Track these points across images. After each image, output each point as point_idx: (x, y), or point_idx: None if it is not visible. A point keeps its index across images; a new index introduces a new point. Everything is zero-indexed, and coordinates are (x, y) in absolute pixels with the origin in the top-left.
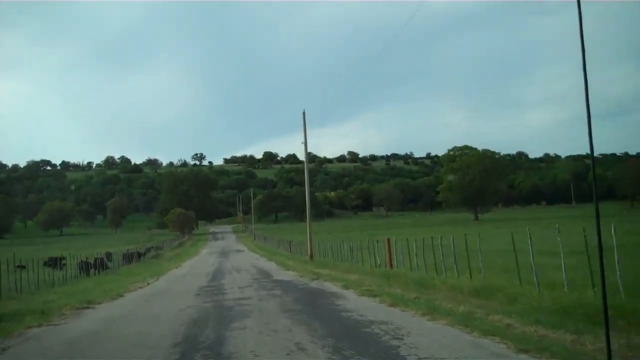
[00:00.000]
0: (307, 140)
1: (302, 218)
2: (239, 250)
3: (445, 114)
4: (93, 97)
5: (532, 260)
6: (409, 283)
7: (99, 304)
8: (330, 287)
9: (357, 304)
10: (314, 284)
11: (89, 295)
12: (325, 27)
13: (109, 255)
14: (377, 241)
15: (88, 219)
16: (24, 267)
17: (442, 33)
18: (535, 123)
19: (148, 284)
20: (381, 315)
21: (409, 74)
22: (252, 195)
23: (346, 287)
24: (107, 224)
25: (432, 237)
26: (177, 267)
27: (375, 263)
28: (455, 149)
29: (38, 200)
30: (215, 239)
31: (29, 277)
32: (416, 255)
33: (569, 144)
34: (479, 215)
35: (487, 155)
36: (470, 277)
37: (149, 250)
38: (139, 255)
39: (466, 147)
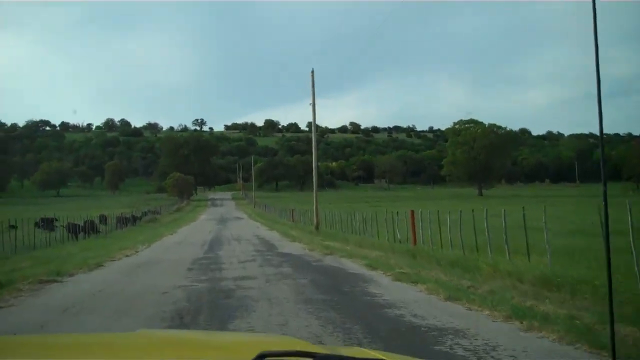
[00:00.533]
0: (310, 110)
1: (302, 187)
2: (238, 218)
3: (447, 88)
4: (95, 59)
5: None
6: (444, 265)
7: (70, 275)
8: (351, 265)
9: (399, 295)
10: (330, 261)
11: (65, 263)
12: None
13: (103, 218)
14: (397, 213)
15: (86, 180)
16: (14, 227)
17: (447, 7)
18: (539, 101)
19: (137, 252)
20: (445, 317)
21: (411, 48)
22: (252, 162)
23: (371, 267)
24: (105, 186)
25: (449, 212)
26: (172, 234)
27: (394, 237)
28: (461, 122)
29: (36, 160)
30: (215, 205)
31: (15, 238)
32: (445, 231)
33: (573, 122)
34: (482, 191)
35: (494, 130)
36: (529, 260)
37: (145, 214)
38: (135, 219)
39: (472, 120)
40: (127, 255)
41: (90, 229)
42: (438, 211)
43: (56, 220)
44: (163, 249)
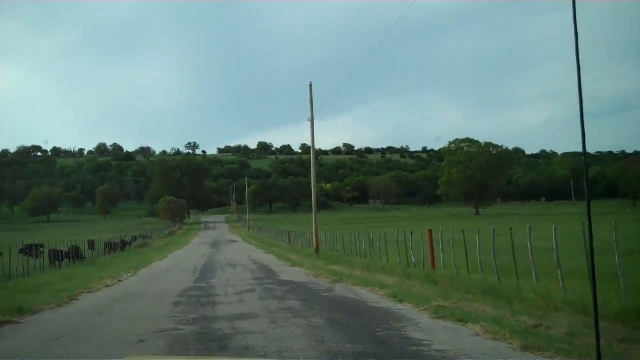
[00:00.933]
0: (303, 131)
1: (297, 209)
2: (232, 241)
3: (440, 109)
4: (87, 85)
5: None
6: (476, 293)
7: (33, 313)
8: (370, 296)
9: (453, 341)
10: (342, 290)
11: (36, 297)
12: (318, 20)
13: (91, 244)
14: (412, 233)
15: (77, 205)
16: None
17: (438, 29)
18: (531, 120)
19: (119, 281)
20: None
21: (403, 69)
22: (247, 183)
23: (396, 298)
24: (96, 211)
25: (462, 231)
26: (162, 259)
27: (407, 261)
28: (457, 141)
29: (26, 187)
30: (207, 228)
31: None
32: (461, 252)
33: (566, 141)
34: (479, 210)
35: (489, 150)
36: (562, 284)
37: (135, 239)
38: (124, 244)
39: (468, 139)
40: (107, 286)
41: (75, 255)
42: (452, 231)
43: (42, 246)
44: (149, 277)
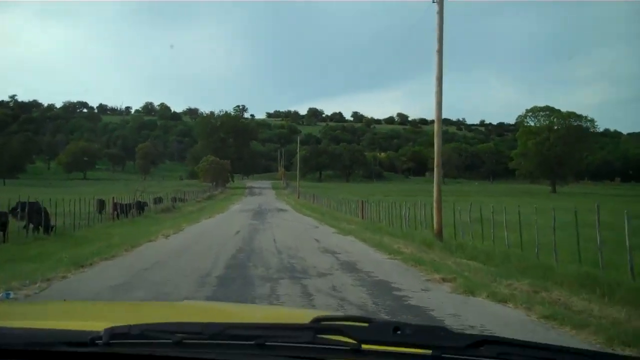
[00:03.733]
0: (354, 100)
1: (349, 178)
2: (281, 210)
3: (496, 86)
4: (139, 46)
5: None
6: None
7: None
8: None
9: None
10: None
11: None
12: None
13: (101, 204)
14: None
15: (117, 163)
16: None
17: (494, 7)
18: (591, 100)
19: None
20: None
21: (458, 44)
22: (298, 143)
23: None
24: (136, 169)
25: None
26: (175, 232)
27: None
28: (534, 109)
29: (66, 141)
30: (252, 194)
31: None
32: None
33: (629, 122)
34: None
35: (569, 121)
36: None
37: (159, 200)
38: (141, 206)
39: (547, 107)
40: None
41: (46, 224)
42: None
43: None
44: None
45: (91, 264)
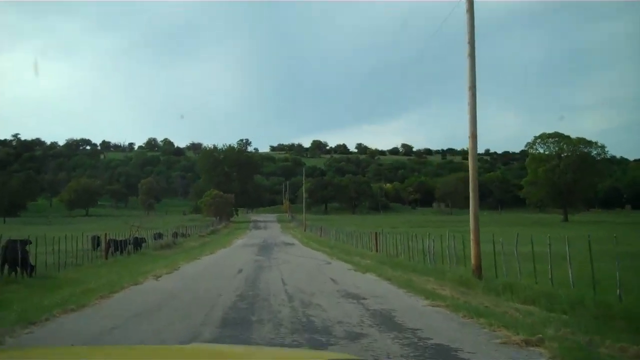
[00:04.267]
0: (358, 132)
1: (355, 210)
2: (287, 244)
3: (498, 114)
4: (143, 83)
5: None
6: None
7: None
8: None
9: None
10: None
11: None
12: (376, 22)
13: (96, 239)
14: None
15: (120, 199)
16: None
17: (493, 33)
18: (595, 127)
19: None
20: None
21: (453, 73)
22: (303, 174)
23: None
24: (139, 205)
25: None
26: (170, 271)
27: None
28: (543, 135)
29: (68, 179)
30: (257, 227)
31: None
32: None
33: (637, 147)
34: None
35: (579, 147)
36: None
37: (159, 236)
38: (138, 243)
39: (556, 133)
40: None
41: (24, 265)
42: None
43: (29, 243)
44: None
45: (46, 320)
